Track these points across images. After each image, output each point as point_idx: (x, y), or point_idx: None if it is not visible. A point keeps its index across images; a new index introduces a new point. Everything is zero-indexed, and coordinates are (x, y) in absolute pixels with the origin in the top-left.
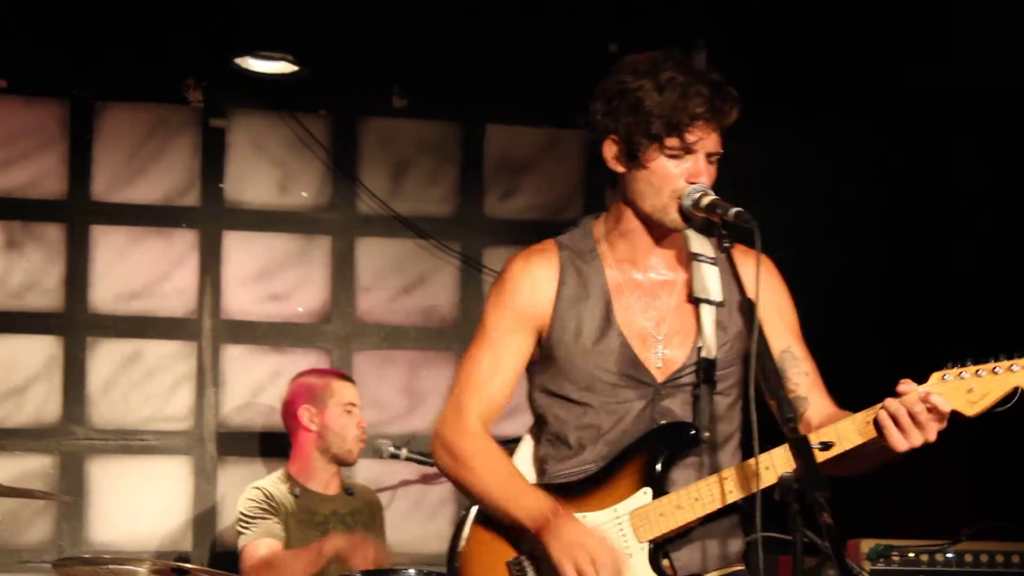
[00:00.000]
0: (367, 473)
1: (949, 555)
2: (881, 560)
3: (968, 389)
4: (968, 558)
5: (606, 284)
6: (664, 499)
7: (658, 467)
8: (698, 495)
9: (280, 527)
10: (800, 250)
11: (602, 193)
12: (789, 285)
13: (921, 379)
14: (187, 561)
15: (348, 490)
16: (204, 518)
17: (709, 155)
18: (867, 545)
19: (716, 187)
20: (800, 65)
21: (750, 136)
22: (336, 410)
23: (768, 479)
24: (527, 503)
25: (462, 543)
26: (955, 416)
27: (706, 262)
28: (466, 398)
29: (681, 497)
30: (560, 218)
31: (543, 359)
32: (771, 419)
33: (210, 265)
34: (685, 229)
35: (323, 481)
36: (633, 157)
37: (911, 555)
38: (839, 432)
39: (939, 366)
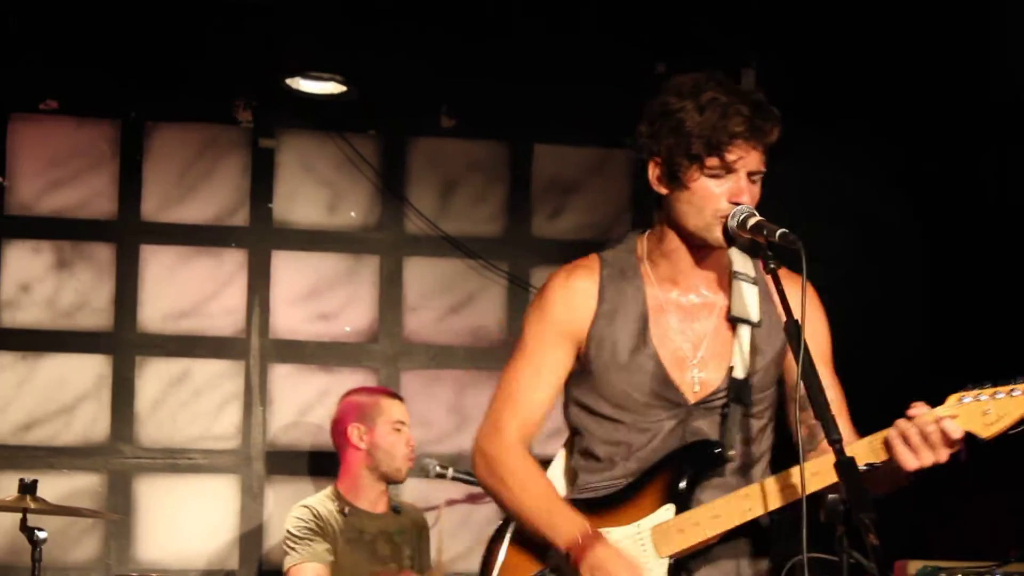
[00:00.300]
0: (413, 492)
1: None
2: None
3: (984, 411)
4: None
5: (645, 303)
6: (684, 515)
7: (682, 484)
8: (716, 512)
9: (327, 550)
10: (846, 271)
11: (650, 213)
12: (834, 306)
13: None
14: None
15: (396, 508)
16: (251, 537)
17: (751, 174)
18: (915, 567)
19: (761, 206)
20: (849, 86)
21: (798, 156)
22: (385, 428)
23: (789, 496)
24: (561, 524)
25: (496, 556)
26: (972, 438)
27: (746, 281)
28: (506, 413)
29: (700, 514)
30: (608, 237)
31: (579, 373)
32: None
33: (258, 284)
34: (728, 249)
35: (371, 499)
36: (675, 178)
37: None
38: (851, 452)
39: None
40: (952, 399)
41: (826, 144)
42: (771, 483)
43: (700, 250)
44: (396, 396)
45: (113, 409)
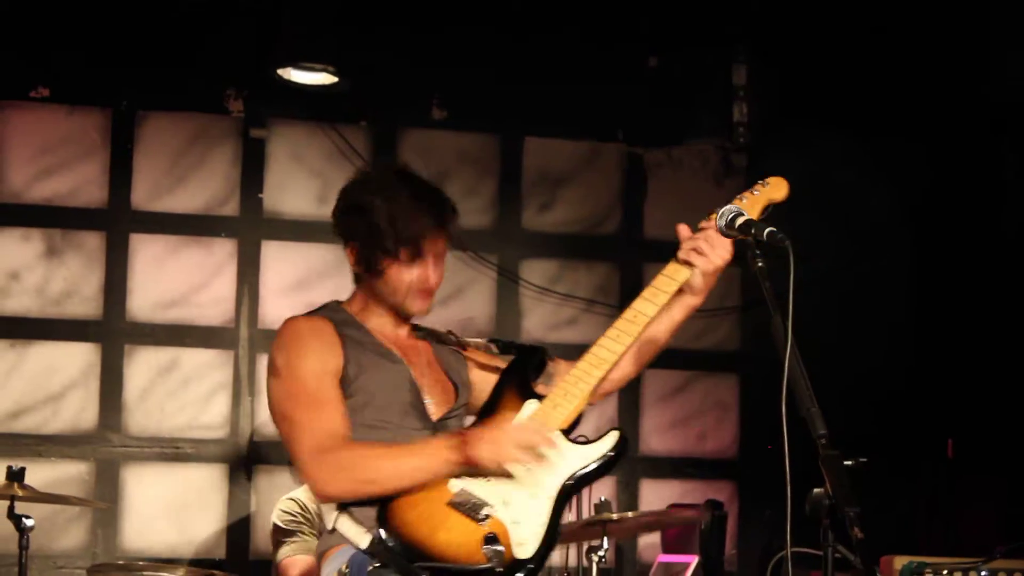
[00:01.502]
0: None
1: (983, 573)
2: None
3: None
4: None
5: (378, 339)
6: (549, 397)
7: (532, 382)
8: (591, 359)
9: (315, 540)
10: (835, 266)
11: (640, 207)
12: (827, 300)
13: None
14: (221, 569)
15: None
16: (238, 526)
17: (438, 256)
18: (900, 562)
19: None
20: (840, 80)
21: (786, 149)
22: None
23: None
24: (438, 447)
25: (398, 528)
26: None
27: (423, 333)
28: (320, 424)
29: (571, 371)
30: (598, 231)
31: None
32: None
33: (248, 274)
34: (422, 316)
35: None
36: (370, 266)
37: (944, 572)
38: (658, 288)
39: (973, 383)
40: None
41: (815, 139)
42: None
43: (400, 317)
44: None
45: (101, 398)
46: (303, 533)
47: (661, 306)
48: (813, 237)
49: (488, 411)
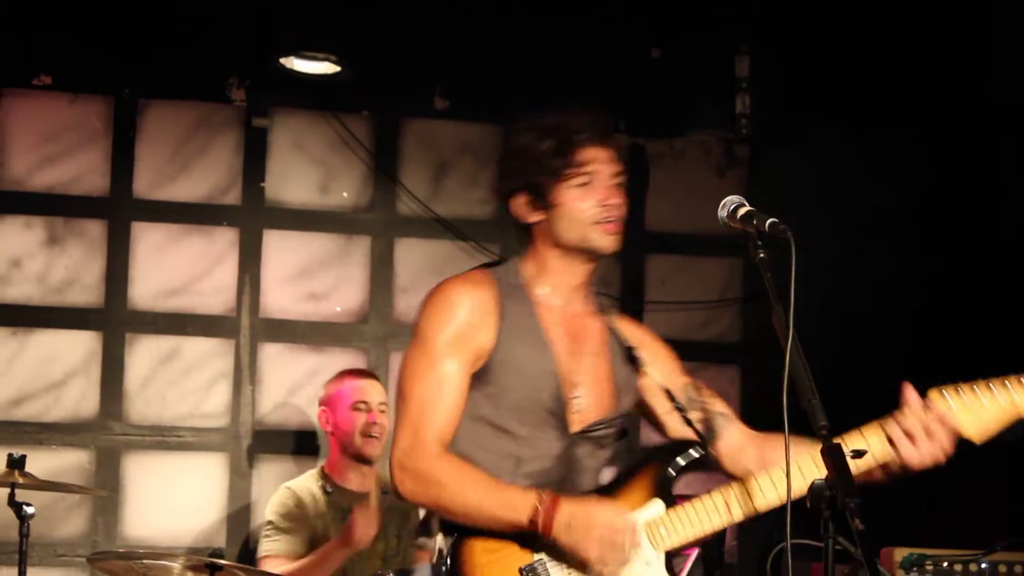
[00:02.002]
0: None
1: (983, 565)
2: (915, 569)
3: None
4: (1002, 569)
5: (539, 322)
6: (676, 510)
7: (670, 483)
8: (708, 508)
9: (302, 540)
10: (838, 259)
11: (642, 198)
12: (829, 292)
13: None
14: (221, 557)
15: (384, 489)
16: (238, 515)
17: (613, 175)
18: (901, 554)
19: (752, 193)
20: (842, 73)
21: (788, 141)
22: (346, 410)
23: (773, 500)
24: (518, 503)
25: (461, 565)
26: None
27: (607, 315)
28: (422, 425)
29: (695, 505)
30: None
31: (479, 382)
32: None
33: (250, 263)
34: (611, 254)
35: (355, 481)
36: (542, 201)
37: (945, 564)
38: (869, 445)
39: (974, 377)
40: (934, 394)
41: (817, 131)
42: (765, 478)
43: (584, 263)
44: (366, 375)
45: (102, 386)
46: (291, 533)
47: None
48: (814, 229)
49: (611, 487)
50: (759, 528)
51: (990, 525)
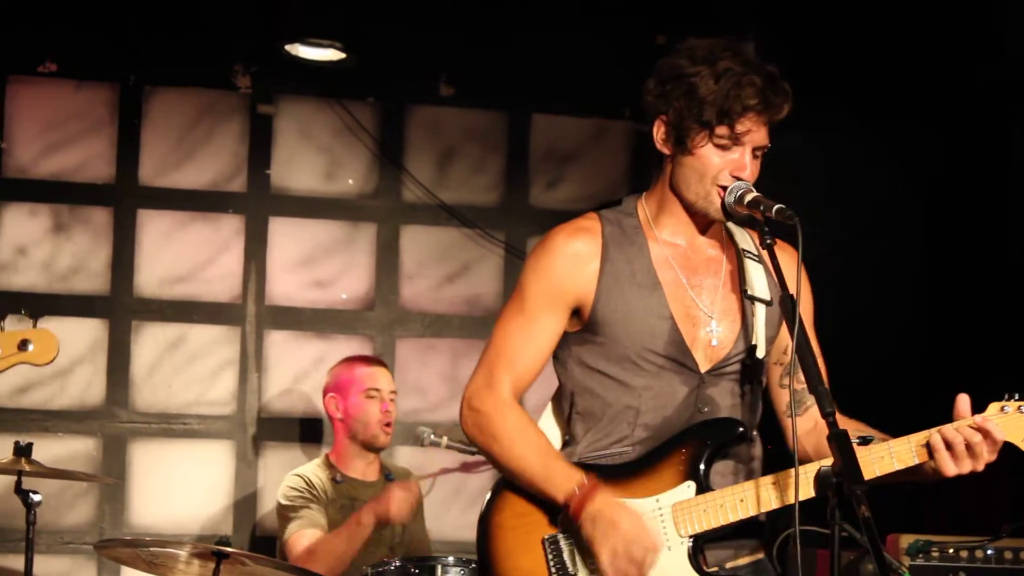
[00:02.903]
0: (408, 460)
1: (989, 551)
2: (921, 555)
3: None
4: (1008, 555)
5: (652, 264)
6: (709, 496)
7: (702, 463)
8: (744, 496)
9: (322, 515)
10: (845, 245)
11: (647, 184)
12: (832, 279)
13: (976, 393)
14: (227, 545)
15: (388, 476)
16: (245, 502)
17: (755, 149)
18: (907, 540)
19: (759, 179)
20: (848, 59)
21: (794, 127)
22: (358, 397)
23: (806, 494)
24: (557, 477)
25: (494, 513)
26: (1008, 447)
27: (753, 259)
28: (499, 368)
29: (726, 496)
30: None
31: (584, 333)
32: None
33: (255, 251)
34: (725, 221)
35: (361, 468)
36: (681, 142)
37: (951, 551)
38: (893, 452)
39: (980, 368)
40: (993, 407)
41: (825, 117)
42: (803, 472)
43: (699, 217)
44: (376, 362)
45: (109, 373)
46: (309, 508)
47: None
48: (822, 216)
49: (646, 462)
50: (766, 514)
51: (996, 511)
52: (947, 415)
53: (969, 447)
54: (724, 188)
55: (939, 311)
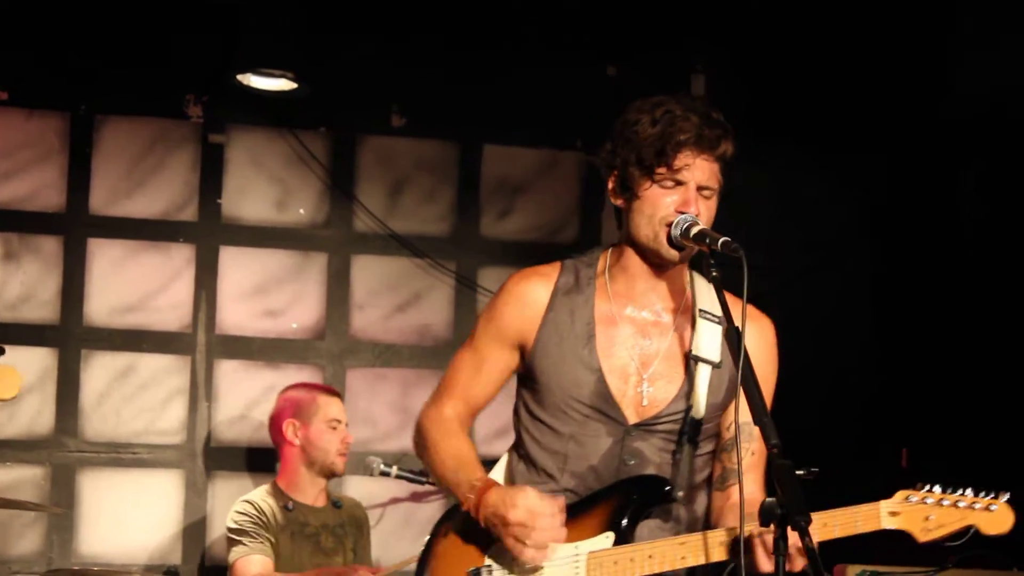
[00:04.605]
0: (357, 490)
1: None
2: None
3: (926, 516)
4: None
5: (594, 316)
6: (622, 548)
7: (625, 518)
8: (652, 553)
9: (270, 545)
10: (793, 277)
11: (598, 216)
12: (784, 311)
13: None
14: (176, 574)
15: (336, 503)
16: (194, 531)
17: (701, 188)
18: (853, 571)
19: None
20: (798, 92)
21: (744, 159)
22: (320, 426)
23: (725, 553)
24: (463, 480)
25: (435, 543)
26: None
27: (711, 321)
28: (445, 394)
29: (637, 550)
30: (556, 239)
31: (525, 377)
32: None
33: (206, 280)
34: (678, 262)
35: (311, 494)
36: (628, 189)
37: None
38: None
39: (930, 394)
40: (899, 495)
41: (774, 149)
42: (712, 536)
43: (655, 264)
44: (334, 393)
45: (58, 402)
46: (257, 534)
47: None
48: (771, 247)
49: (570, 510)
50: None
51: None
52: (893, 460)
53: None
54: (670, 226)
55: (890, 341)
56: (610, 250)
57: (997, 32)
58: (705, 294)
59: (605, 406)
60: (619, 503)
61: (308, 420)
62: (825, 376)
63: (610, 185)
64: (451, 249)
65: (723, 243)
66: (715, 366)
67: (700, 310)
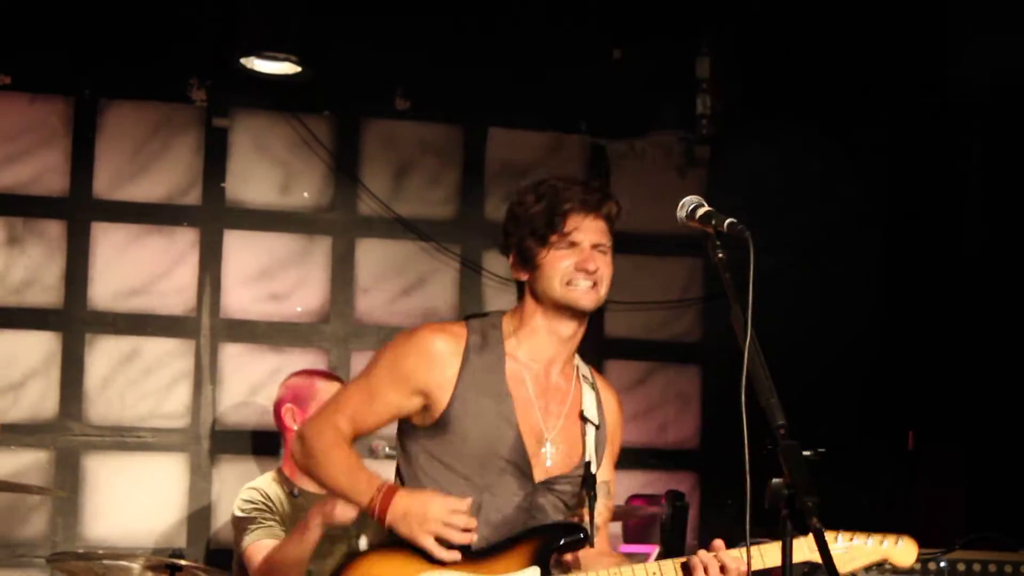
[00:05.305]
0: None
1: (942, 564)
2: (873, 568)
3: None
4: (961, 567)
5: (506, 376)
6: None
7: (552, 555)
8: None
9: (279, 528)
10: (801, 256)
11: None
12: (787, 293)
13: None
14: (181, 558)
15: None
16: (199, 515)
17: (595, 245)
18: None
19: (713, 195)
20: (803, 74)
21: (750, 142)
22: None
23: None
24: (362, 487)
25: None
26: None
27: (588, 384)
28: (336, 412)
29: None
30: None
31: (435, 428)
32: None
33: (210, 264)
34: (591, 310)
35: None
36: (527, 260)
37: None
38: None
39: (937, 376)
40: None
41: (779, 131)
42: (640, 569)
43: (565, 330)
44: (335, 378)
45: (62, 386)
46: (266, 520)
47: None
48: (776, 229)
49: (494, 548)
50: (719, 527)
51: (949, 522)
52: (899, 442)
53: (723, 570)
54: (572, 283)
55: (893, 324)
56: (509, 315)
57: (1002, 11)
58: (581, 359)
59: (521, 462)
60: (543, 542)
61: (307, 406)
62: (830, 357)
63: (511, 264)
64: (456, 232)
65: (729, 224)
66: (597, 427)
67: (582, 375)
